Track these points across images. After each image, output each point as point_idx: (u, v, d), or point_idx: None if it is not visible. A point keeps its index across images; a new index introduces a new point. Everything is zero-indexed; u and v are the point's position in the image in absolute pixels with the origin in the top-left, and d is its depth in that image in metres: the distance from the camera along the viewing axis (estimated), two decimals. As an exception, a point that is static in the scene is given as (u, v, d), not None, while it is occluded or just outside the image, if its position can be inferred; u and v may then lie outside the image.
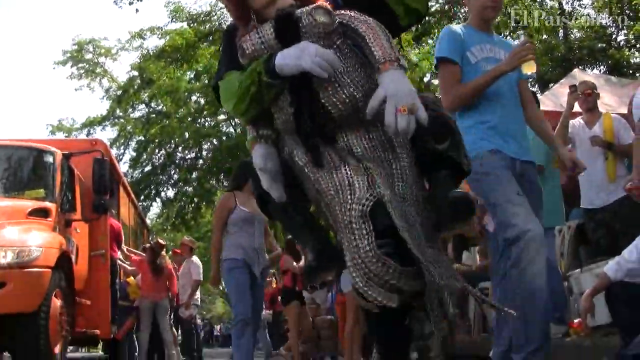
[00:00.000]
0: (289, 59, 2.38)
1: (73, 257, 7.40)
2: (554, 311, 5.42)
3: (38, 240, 6.44)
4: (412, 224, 2.35)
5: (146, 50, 22.31)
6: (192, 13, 19.90)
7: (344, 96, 2.41)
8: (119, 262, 9.78)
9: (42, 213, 6.90)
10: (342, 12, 2.46)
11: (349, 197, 2.33)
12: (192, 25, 19.20)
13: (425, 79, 21.42)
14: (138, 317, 10.10)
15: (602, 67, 17.22)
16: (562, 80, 9.28)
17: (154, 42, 28.82)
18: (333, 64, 2.35)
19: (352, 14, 2.44)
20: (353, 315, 7.36)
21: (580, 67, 14.22)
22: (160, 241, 10.61)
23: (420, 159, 2.50)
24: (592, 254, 6.03)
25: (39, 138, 9.04)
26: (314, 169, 2.48)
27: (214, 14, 18.82)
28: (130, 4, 14.50)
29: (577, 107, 6.26)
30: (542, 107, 6.26)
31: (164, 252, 10.24)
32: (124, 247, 10.11)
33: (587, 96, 6.13)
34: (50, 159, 7.59)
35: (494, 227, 6.19)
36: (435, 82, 22.71)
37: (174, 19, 20.29)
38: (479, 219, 6.32)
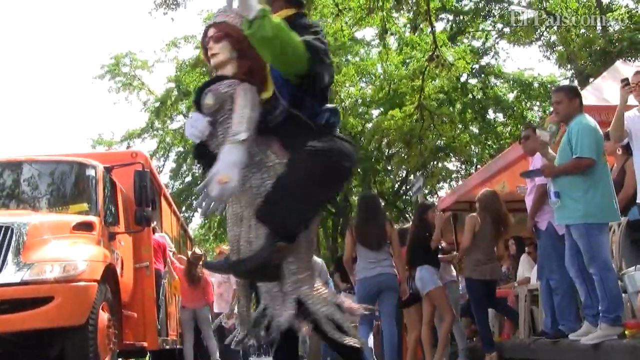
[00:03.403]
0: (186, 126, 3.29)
1: (118, 270, 7.44)
2: (609, 312, 5.23)
3: (83, 254, 6.48)
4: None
5: (182, 61, 22.45)
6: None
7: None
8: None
9: (87, 227, 6.94)
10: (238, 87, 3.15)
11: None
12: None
13: (462, 79, 21.21)
14: (181, 329, 10.12)
15: (644, 58, 16.76)
16: (604, 74, 8.99)
17: (189, 52, 29.01)
18: (203, 132, 3.14)
19: (240, 89, 3.13)
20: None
21: (621, 59, 13.87)
22: (197, 251, 10.62)
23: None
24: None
25: (80, 152, 9.09)
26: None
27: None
28: (165, 14, 14.53)
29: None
30: (585, 102, 6.07)
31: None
32: (170, 253, 10.08)
33: (641, 87, 5.88)
34: (92, 172, 7.64)
35: (546, 226, 6.17)
36: (472, 81, 22.49)
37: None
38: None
